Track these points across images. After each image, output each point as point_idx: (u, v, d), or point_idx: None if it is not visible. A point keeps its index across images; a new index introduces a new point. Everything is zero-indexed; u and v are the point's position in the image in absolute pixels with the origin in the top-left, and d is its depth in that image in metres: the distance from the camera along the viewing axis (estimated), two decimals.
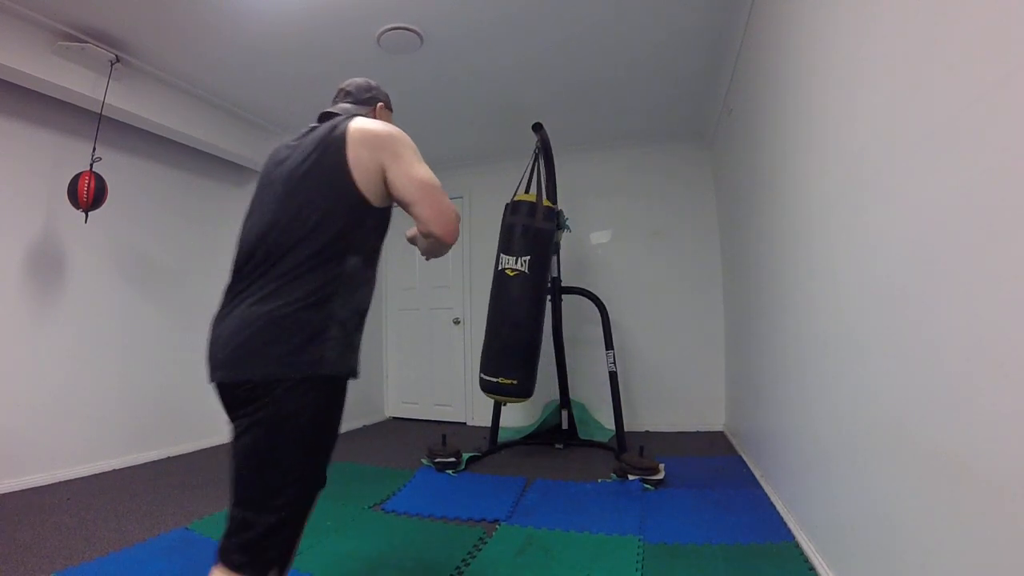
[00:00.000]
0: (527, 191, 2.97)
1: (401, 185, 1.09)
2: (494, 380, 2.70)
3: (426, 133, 3.74)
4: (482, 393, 2.83)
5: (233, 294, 1.08)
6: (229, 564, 0.95)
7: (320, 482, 1.08)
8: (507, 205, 2.94)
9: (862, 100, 1.21)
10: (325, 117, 1.27)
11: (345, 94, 1.37)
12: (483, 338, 2.88)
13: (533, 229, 2.79)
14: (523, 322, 2.75)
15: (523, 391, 2.72)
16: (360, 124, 1.13)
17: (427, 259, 1.36)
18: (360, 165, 1.07)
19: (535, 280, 2.76)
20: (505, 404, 2.96)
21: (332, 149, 1.09)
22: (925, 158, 0.94)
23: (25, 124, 2.58)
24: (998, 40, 0.74)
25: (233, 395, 1.07)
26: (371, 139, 1.10)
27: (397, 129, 1.16)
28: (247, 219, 1.16)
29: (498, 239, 2.92)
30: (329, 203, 1.06)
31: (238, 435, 1.04)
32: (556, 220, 2.91)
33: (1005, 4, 0.73)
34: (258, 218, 1.12)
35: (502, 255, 2.82)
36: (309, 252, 1.03)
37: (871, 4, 1.15)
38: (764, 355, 2.38)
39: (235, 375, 1.03)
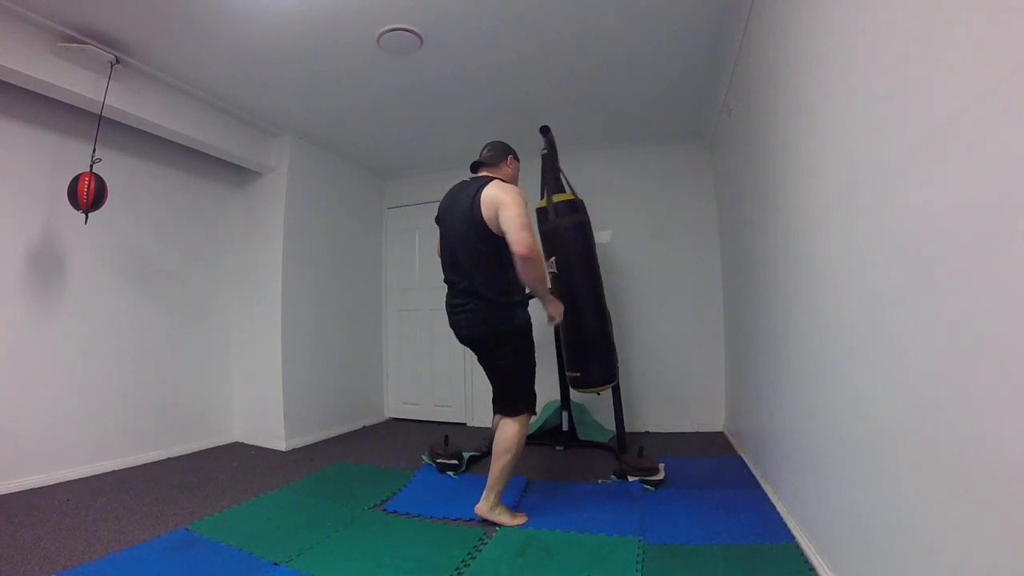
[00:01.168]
0: (546, 196, 2.92)
1: (504, 223, 1.92)
2: (574, 375, 2.83)
3: (426, 133, 3.74)
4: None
5: (454, 286, 2.13)
6: (507, 414, 2.09)
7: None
8: (541, 209, 2.91)
9: (861, 100, 1.21)
10: (474, 167, 2.29)
11: (488, 150, 2.30)
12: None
13: (551, 229, 2.80)
14: (570, 319, 2.71)
15: (593, 380, 2.77)
16: (487, 191, 2.00)
17: (550, 320, 2.21)
18: (489, 217, 1.96)
19: (568, 276, 2.76)
20: (599, 393, 2.92)
21: (475, 209, 1.99)
22: (925, 158, 0.94)
23: (25, 125, 2.58)
24: (998, 40, 0.75)
25: (477, 343, 2.13)
26: (491, 200, 1.97)
27: (511, 188, 2.01)
28: (443, 237, 2.19)
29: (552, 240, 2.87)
30: (485, 243, 2.00)
31: (494, 361, 2.13)
32: (582, 210, 2.85)
33: (1005, 4, 0.73)
34: (450, 240, 2.12)
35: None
36: (494, 266, 2.02)
37: (871, 4, 1.15)
38: (764, 355, 2.38)
39: (476, 334, 2.09)
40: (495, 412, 2.12)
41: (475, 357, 2.23)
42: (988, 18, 0.77)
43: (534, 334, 2.19)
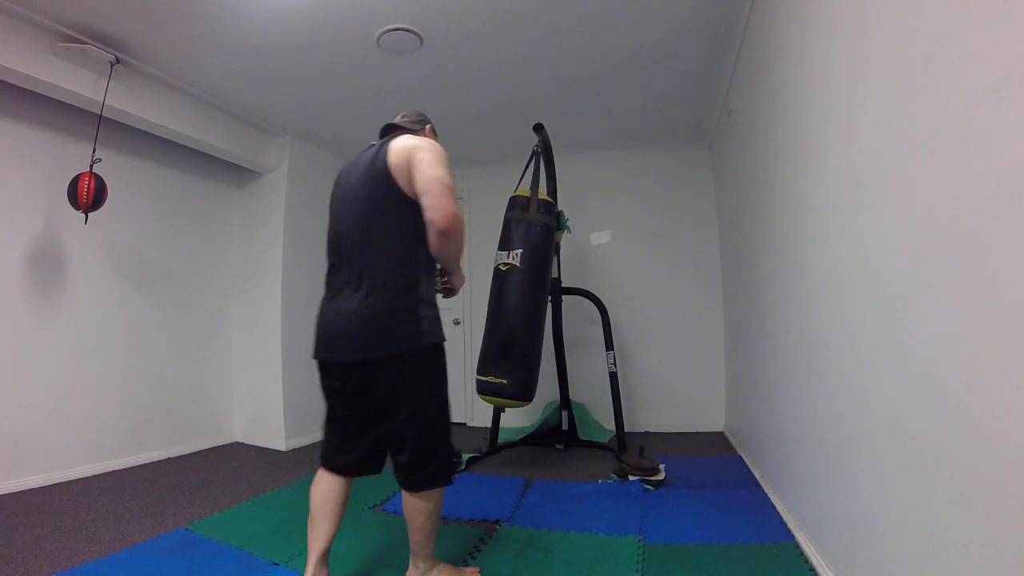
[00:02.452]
0: (531, 188, 2.93)
1: (417, 178, 1.35)
2: (483, 379, 2.58)
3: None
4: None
5: (333, 287, 1.44)
6: (414, 487, 1.40)
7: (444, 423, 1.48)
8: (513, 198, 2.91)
9: (862, 100, 1.21)
10: (387, 130, 1.61)
11: (403, 115, 1.68)
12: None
13: (525, 221, 2.74)
14: (514, 317, 2.60)
15: (518, 392, 2.53)
16: (398, 140, 1.43)
17: (442, 284, 1.60)
18: (397, 168, 1.37)
19: (529, 274, 2.64)
20: (503, 410, 2.80)
21: (380, 163, 1.40)
22: (925, 158, 0.94)
23: (25, 125, 2.58)
24: (999, 39, 0.74)
25: (346, 371, 1.43)
26: (404, 148, 1.40)
27: (431, 141, 1.45)
28: (333, 225, 1.49)
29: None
30: (388, 209, 1.37)
31: (387, 402, 1.40)
32: (554, 214, 2.87)
33: (1005, 3, 0.73)
34: (343, 225, 1.44)
35: (497, 252, 2.77)
36: (390, 250, 1.36)
37: (871, 4, 1.15)
38: (764, 355, 2.38)
39: (353, 356, 1.37)
40: (398, 480, 1.43)
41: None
42: (989, 17, 0.77)
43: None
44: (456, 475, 1.46)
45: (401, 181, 1.36)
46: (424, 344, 1.36)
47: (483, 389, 2.61)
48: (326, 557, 1.43)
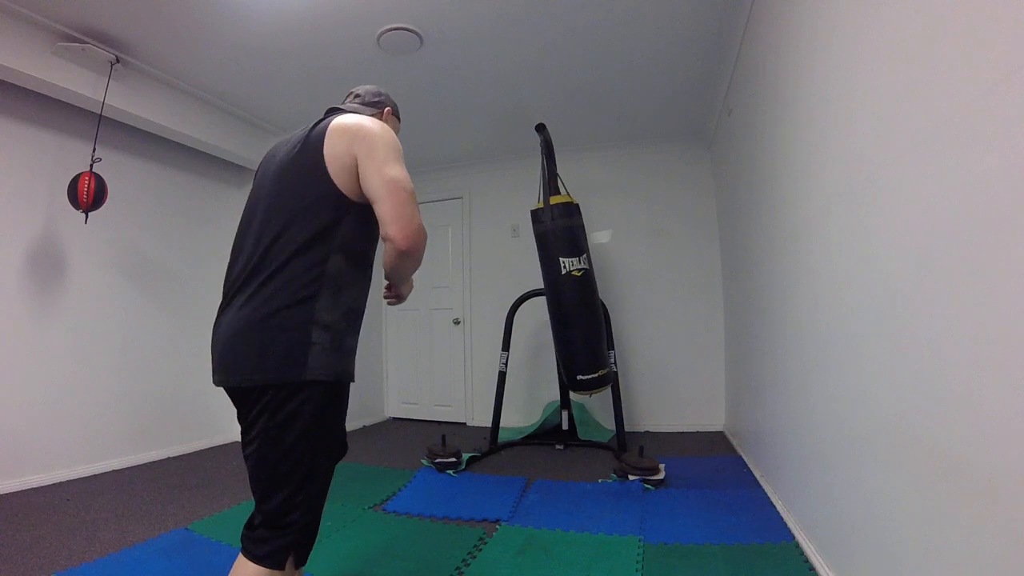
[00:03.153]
0: (555, 192, 2.94)
1: (369, 180, 1.04)
2: (596, 375, 2.79)
3: (426, 133, 3.74)
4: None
5: (227, 296, 1.09)
6: (248, 555, 1.01)
7: (320, 475, 1.09)
8: (539, 210, 2.89)
9: (862, 99, 1.21)
10: (331, 112, 1.22)
11: (355, 96, 1.34)
12: (563, 340, 2.88)
13: (577, 229, 2.88)
14: (599, 313, 2.86)
15: (600, 382, 2.84)
16: (342, 118, 1.11)
17: (389, 294, 1.32)
18: (335, 159, 1.05)
19: (592, 276, 2.90)
20: (591, 395, 3.00)
21: (312, 143, 1.08)
22: (925, 157, 0.94)
23: (25, 125, 2.58)
24: (998, 39, 0.74)
25: (236, 397, 1.09)
26: (349, 132, 1.07)
27: (382, 126, 1.11)
28: (242, 217, 1.16)
29: (546, 244, 2.86)
30: (307, 200, 1.05)
31: (247, 441, 1.06)
32: (573, 212, 2.95)
33: (1005, 3, 0.73)
34: (248, 216, 1.13)
35: (563, 259, 2.78)
36: (290, 251, 1.02)
37: (870, 3, 1.15)
38: (764, 355, 2.38)
39: (230, 380, 1.05)
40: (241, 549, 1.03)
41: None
42: (990, 16, 0.77)
43: None
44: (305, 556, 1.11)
45: (337, 175, 1.04)
46: (304, 380, 0.99)
47: (596, 384, 2.81)
48: None
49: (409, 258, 1.08)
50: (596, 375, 2.80)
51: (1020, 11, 0.70)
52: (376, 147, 1.06)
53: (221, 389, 1.10)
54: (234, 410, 1.10)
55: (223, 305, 1.09)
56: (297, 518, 1.03)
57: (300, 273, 1.02)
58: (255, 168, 3.68)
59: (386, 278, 1.22)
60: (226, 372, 1.04)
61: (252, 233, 1.09)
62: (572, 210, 2.86)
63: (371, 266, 1.17)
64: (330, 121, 1.10)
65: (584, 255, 2.83)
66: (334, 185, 1.04)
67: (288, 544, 1.02)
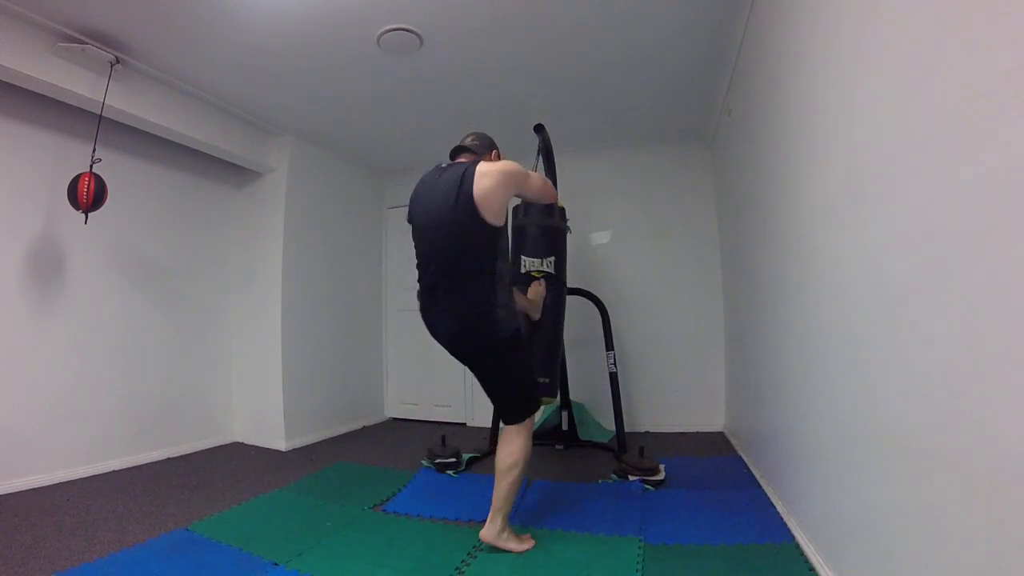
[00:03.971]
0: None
1: (530, 193, 1.92)
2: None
3: (426, 133, 3.74)
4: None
5: (431, 293, 1.87)
6: (508, 421, 1.86)
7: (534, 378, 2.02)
8: (516, 207, 2.84)
9: (862, 99, 1.21)
10: (456, 152, 1.93)
11: (472, 138, 1.96)
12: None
13: (552, 228, 2.70)
14: (558, 322, 2.69)
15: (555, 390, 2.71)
16: (482, 168, 1.73)
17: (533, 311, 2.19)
18: (485, 201, 1.70)
19: (560, 279, 2.70)
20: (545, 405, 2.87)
21: (465, 190, 1.69)
22: (925, 158, 0.94)
23: (25, 125, 2.58)
24: (999, 39, 0.75)
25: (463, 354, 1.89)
26: (494, 176, 1.72)
27: (511, 164, 1.79)
28: (423, 242, 1.87)
29: (511, 243, 2.69)
30: (473, 232, 1.71)
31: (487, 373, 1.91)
32: (562, 215, 2.86)
33: (1006, 3, 0.73)
34: (430, 243, 1.84)
35: (524, 258, 2.66)
36: (474, 266, 1.73)
37: (871, 3, 1.15)
38: (764, 355, 2.38)
39: (465, 347, 1.84)
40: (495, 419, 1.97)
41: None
42: (990, 16, 0.77)
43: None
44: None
45: (484, 206, 1.68)
46: (500, 336, 1.77)
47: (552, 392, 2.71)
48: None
49: (543, 200, 2.10)
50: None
51: (1020, 11, 0.70)
52: (522, 176, 1.84)
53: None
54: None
55: (426, 297, 1.92)
56: (528, 389, 1.93)
57: (484, 278, 1.74)
58: (255, 169, 3.67)
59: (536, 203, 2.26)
60: (455, 340, 1.87)
61: (439, 248, 1.80)
62: (549, 210, 2.70)
63: (508, 259, 1.95)
64: (475, 170, 1.73)
65: (550, 258, 2.65)
66: (490, 224, 1.73)
67: (530, 398, 1.93)
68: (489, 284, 1.72)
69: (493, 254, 1.73)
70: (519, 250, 2.68)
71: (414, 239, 1.90)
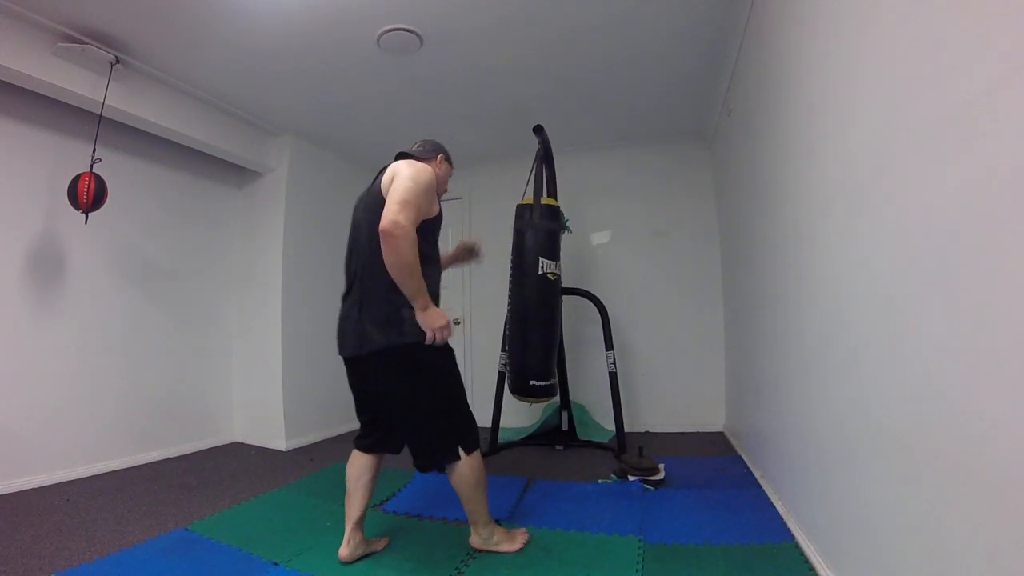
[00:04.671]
0: (543, 194, 2.93)
1: (388, 194, 1.54)
2: (546, 384, 2.74)
3: (426, 133, 3.73)
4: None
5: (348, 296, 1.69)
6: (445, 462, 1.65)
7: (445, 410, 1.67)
8: (528, 206, 2.86)
9: (862, 100, 1.21)
10: (398, 157, 1.76)
11: (418, 145, 1.89)
12: (515, 343, 2.80)
13: (556, 232, 2.86)
14: (560, 323, 2.88)
15: (554, 390, 2.84)
16: (393, 165, 1.63)
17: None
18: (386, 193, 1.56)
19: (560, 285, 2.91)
20: (535, 404, 3.05)
21: (376, 187, 1.63)
22: (925, 158, 0.94)
23: (25, 125, 2.58)
24: (999, 39, 0.75)
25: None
26: (389, 173, 1.60)
27: (420, 164, 1.62)
28: (349, 243, 1.74)
29: (522, 241, 2.83)
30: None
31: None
32: (556, 216, 2.93)
33: (1006, 3, 0.73)
34: (354, 244, 1.70)
35: (543, 259, 2.76)
36: (380, 265, 1.50)
37: (871, 3, 1.15)
38: (764, 355, 2.38)
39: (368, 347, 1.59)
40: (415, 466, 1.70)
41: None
42: (990, 16, 0.77)
43: None
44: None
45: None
46: (408, 343, 1.56)
47: (547, 392, 2.76)
48: (361, 522, 1.72)
49: (386, 241, 1.45)
50: (547, 383, 2.74)
51: (1020, 11, 0.70)
52: (400, 176, 1.56)
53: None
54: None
55: (343, 303, 1.69)
56: (462, 417, 1.69)
57: (388, 281, 1.53)
58: (255, 169, 3.67)
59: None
60: (355, 347, 1.62)
61: (358, 250, 1.65)
62: (557, 214, 2.89)
63: (435, 263, 1.69)
64: (387, 167, 1.64)
65: (559, 262, 2.85)
66: None
67: (469, 427, 1.70)
68: (394, 284, 1.52)
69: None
70: (539, 251, 2.77)
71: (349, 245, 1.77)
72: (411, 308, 1.52)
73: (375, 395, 1.70)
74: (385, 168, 1.65)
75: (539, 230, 2.80)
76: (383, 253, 1.47)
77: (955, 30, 0.84)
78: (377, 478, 1.77)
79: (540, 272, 2.75)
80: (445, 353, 1.63)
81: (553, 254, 2.80)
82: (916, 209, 0.98)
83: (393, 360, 1.56)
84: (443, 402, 1.63)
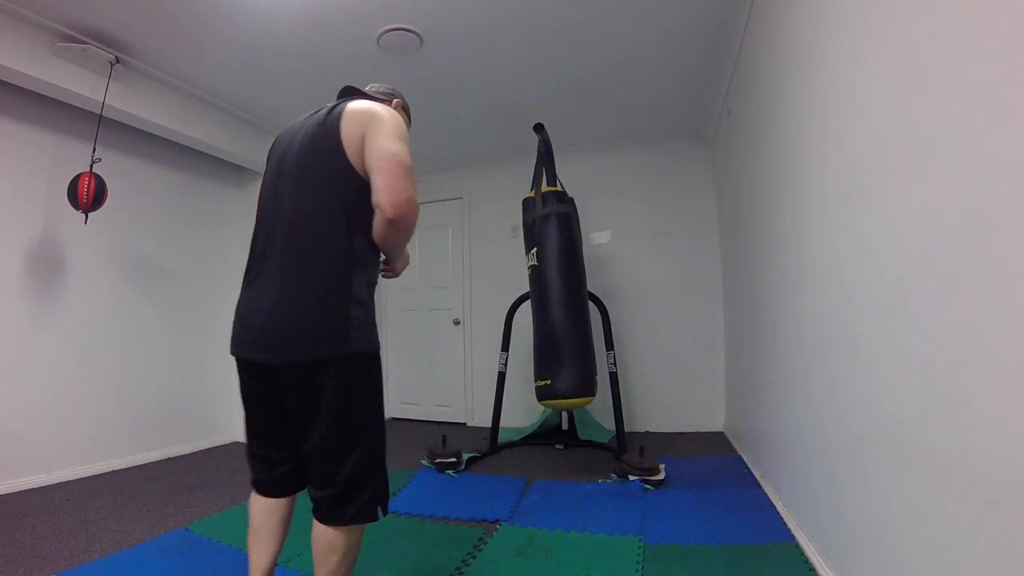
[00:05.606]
0: (537, 188, 2.96)
1: (370, 153, 1.11)
2: (536, 384, 2.63)
3: (426, 133, 3.74)
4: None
5: (251, 268, 1.18)
6: (336, 519, 1.13)
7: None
8: (523, 201, 2.96)
9: (862, 100, 1.21)
10: (345, 92, 1.35)
11: (372, 86, 1.49)
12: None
13: (536, 220, 2.82)
14: (547, 316, 2.65)
15: (564, 390, 2.54)
16: (354, 103, 1.18)
17: (385, 268, 1.36)
18: (349, 140, 1.12)
19: (551, 270, 2.64)
20: (557, 406, 2.70)
21: (330, 125, 1.15)
22: (926, 158, 0.94)
23: (25, 125, 2.58)
24: (999, 39, 0.75)
25: (269, 374, 1.15)
26: (360, 114, 1.15)
27: (391, 111, 1.19)
28: (262, 192, 1.24)
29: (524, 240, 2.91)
30: (330, 177, 1.12)
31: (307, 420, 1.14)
32: (568, 201, 2.91)
33: (1006, 3, 0.73)
34: (271, 192, 1.20)
35: (528, 252, 2.78)
36: (326, 236, 1.10)
37: (871, 4, 1.15)
38: (764, 355, 2.38)
39: (275, 358, 1.11)
40: (315, 515, 1.15)
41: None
42: (990, 16, 0.77)
43: None
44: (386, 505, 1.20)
45: (353, 155, 1.11)
46: (353, 350, 1.10)
47: (538, 395, 2.66)
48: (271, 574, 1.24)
49: (396, 228, 1.13)
50: (538, 383, 2.62)
51: (1020, 11, 0.70)
52: (382, 126, 1.13)
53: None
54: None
55: (250, 278, 1.18)
56: (373, 474, 1.16)
57: (336, 257, 1.10)
58: (255, 168, 3.65)
59: (382, 251, 1.25)
60: (275, 349, 1.10)
61: (281, 208, 1.15)
62: (529, 204, 2.88)
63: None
64: (345, 105, 1.17)
65: (532, 251, 2.76)
66: (355, 171, 1.12)
67: (383, 484, 1.18)
68: (347, 264, 1.11)
69: (356, 221, 1.12)
70: (527, 245, 2.80)
71: (259, 201, 1.25)
72: (363, 306, 1.12)
73: (286, 414, 1.16)
74: (341, 106, 1.17)
75: (549, 216, 2.79)
76: (386, 235, 1.14)
77: (956, 29, 0.84)
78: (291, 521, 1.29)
79: (530, 265, 2.80)
80: (379, 376, 1.20)
81: (527, 245, 2.83)
82: (917, 207, 0.97)
83: (329, 374, 1.08)
84: (377, 437, 1.18)
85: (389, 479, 1.21)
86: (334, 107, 1.19)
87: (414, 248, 4.50)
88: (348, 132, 1.12)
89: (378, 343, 1.19)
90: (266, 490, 1.24)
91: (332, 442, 1.11)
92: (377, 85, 1.50)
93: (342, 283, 1.10)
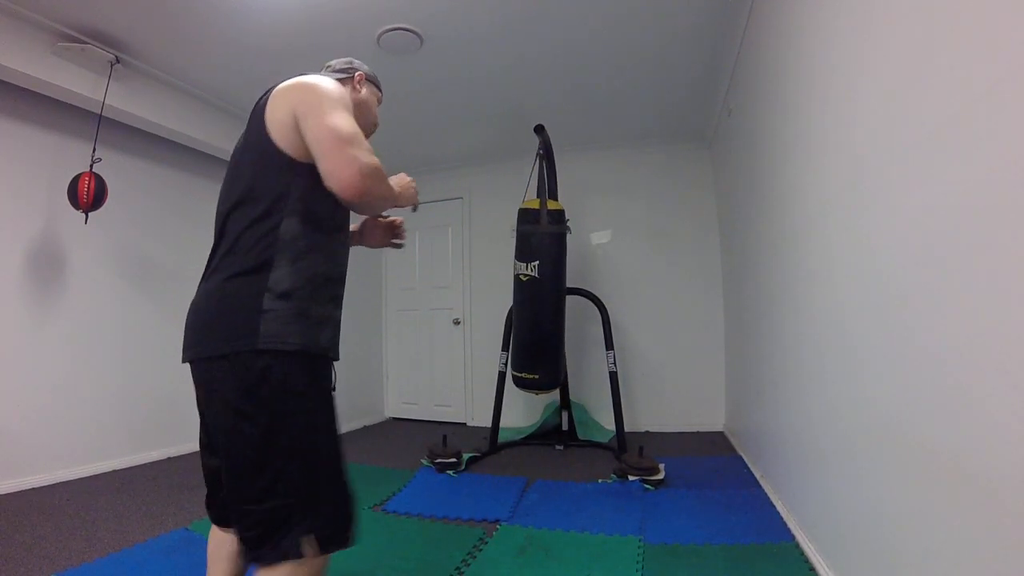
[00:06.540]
0: (536, 195, 3.00)
1: (308, 141, 0.96)
2: (518, 375, 2.98)
3: (426, 133, 3.74)
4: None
5: (204, 275, 1.08)
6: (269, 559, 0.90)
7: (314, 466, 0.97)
8: (521, 211, 3.05)
9: (862, 100, 1.21)
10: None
11: (325, 68, 1.34)
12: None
13: (538, 234, 2.93)
14: (540, 321, 2.95)
15: (547, 383, 2.96)
16: (286, 82, 1.06)
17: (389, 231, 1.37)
18: (276, 122, 1.00)
19: (548, 282, 2.94)
20: (537, 395, 3.20)
21: (257, 113, 1.05)
22: (925, 158, 0.94)
23: (25, 125, 2.58)
24: (998, 39, 0.75)
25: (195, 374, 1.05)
26: (288, 91, 1.03)
27: (324, 80, 1.06)
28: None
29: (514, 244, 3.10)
30: (255, 169, 1.02)
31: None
32: (564, 222, 2.98)
33: (1005, 3, 0.73)
34: (221, 197, 1.11)
35: (516, 261, 3.02)
36: (245, 223, 0.98)
37: (871, 4, 1.15)
38: (764, 355, 2.38)
39: (186, 353, 1.03)
40: (246, 553, 0.93)
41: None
42: (989, 16, 0.77)
43: None
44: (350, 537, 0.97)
45: (281, 138, 0.99)
46: (257, 348, 0.91)
47: (518, 383, 3.01)
48: None
49: (361, 203, 1.02)
50: (519, 375, 2.98)
51: (1020, 11, 0.70)
52: (313, 102, 0.99)
53: None
54: None
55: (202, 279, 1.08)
56: (302, 510, 0.91)
57: (252, 243, 0.97)
58: None
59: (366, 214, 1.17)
60: (185, 347, 1.02)
61: (219, 203, 1.07)
62: (534, 217, 3.01)
63: (341, 228, 1.09)
64: (275, 87, 1.06)
65: (534, 262, 2.99)
66: (278, 149, 0.99)
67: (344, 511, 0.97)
68: (265, 251, 0.97)
69: (284, 205, 0.99)
70: (516, 254, 3.02)
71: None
72: (284, 298, 0.95)
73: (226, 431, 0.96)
74: (268, 91, 1.08)
75: (517, 233, 3.04)
76: (360, 209, 1.07)
77: (956, 29, 0.84)
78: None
79: (514, 272, 3.02)
80: (316, 383, 0.99)
81: (521, 255, 2.98)
82: (916, 207, 0.98)
83: (223, 370, 0.94)
84: (307, 463, 0.94)
85: (353, 502, 0.99)
86: (264, 94, 1.09)
87: (413, 247, 4.50)
88: (273, 114, 1.01)
89: (318, 343, 0.99)
90: (211, 514, 1.11)
91: (233, 462, 0.93)
92: (335, 61, 1.37)
93: (257, 271, 0.95)
